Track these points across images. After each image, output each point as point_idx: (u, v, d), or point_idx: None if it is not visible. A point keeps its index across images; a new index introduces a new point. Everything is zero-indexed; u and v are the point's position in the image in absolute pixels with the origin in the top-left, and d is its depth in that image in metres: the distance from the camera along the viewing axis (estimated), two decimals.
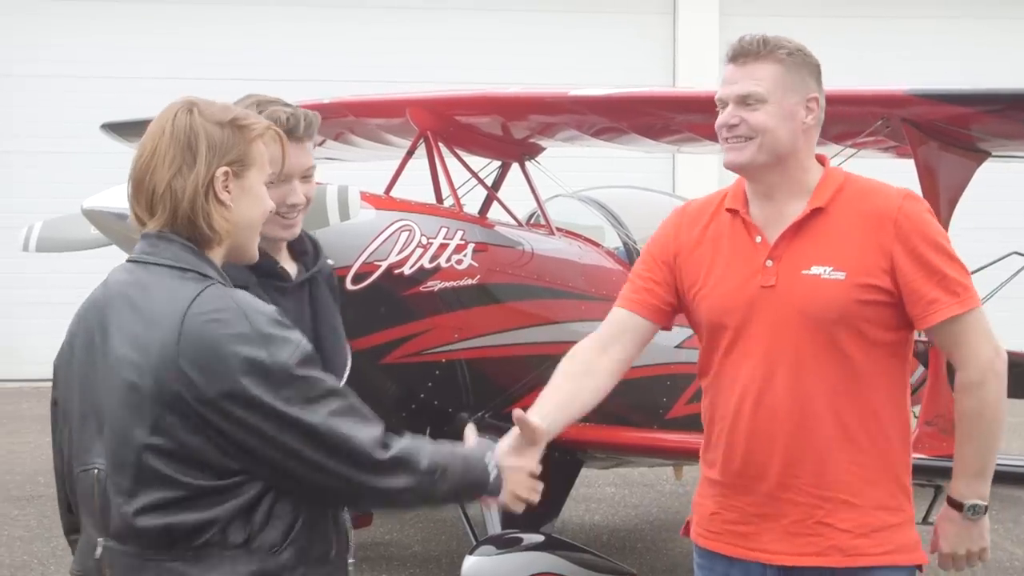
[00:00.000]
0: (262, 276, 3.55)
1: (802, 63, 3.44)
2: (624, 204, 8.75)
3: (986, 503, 3.42)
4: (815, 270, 3.37)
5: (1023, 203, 16.87)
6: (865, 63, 16.32)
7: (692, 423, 8.21)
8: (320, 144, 9.31)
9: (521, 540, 6.96)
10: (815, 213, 3.42)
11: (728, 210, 3.56)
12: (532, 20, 17.19)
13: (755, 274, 3.45)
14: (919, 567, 3.49)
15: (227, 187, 2.88)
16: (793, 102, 3.41)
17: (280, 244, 3.68)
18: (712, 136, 7.70)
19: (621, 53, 17.13)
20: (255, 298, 2.88)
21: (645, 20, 17.59)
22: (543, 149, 8.26)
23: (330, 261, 3.85)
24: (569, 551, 7.10)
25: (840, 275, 3.34)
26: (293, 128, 3.50)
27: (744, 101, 3.41)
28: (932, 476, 6.53)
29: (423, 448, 2.97)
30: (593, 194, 8.76)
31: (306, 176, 3.61)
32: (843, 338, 3.36)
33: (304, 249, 3.75)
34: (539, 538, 7.04)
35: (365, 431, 2.85)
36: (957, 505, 3.41)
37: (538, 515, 7.45)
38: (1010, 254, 7.22)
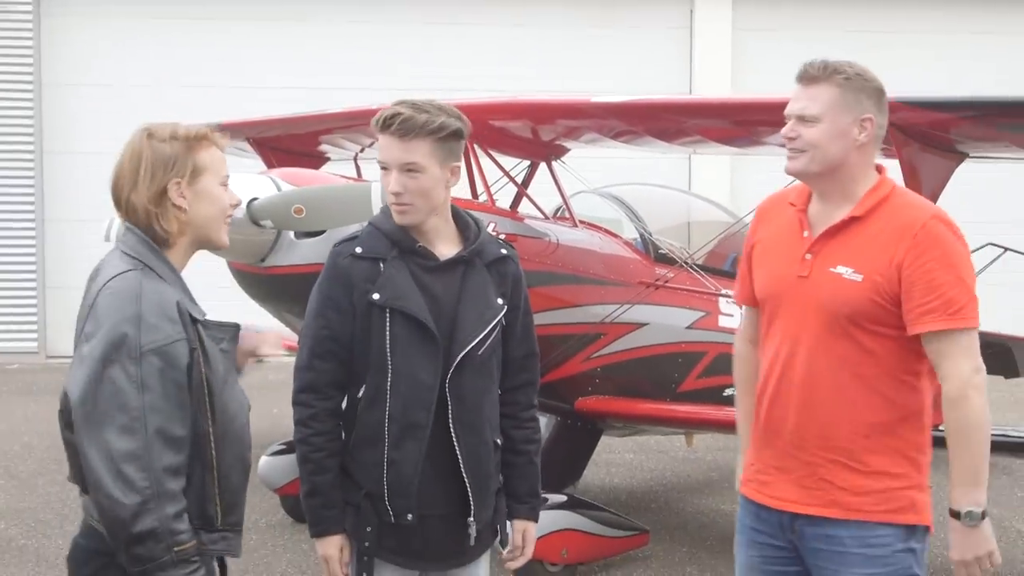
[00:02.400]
0: (404, 253, 3.73)
1: (859, 87, 3.51)
2: (640, 199, 8.77)
3: (981, 509, 3.41)
4: (839, 269, 3.50)
5: (997, 200, 16.75)
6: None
7: (701, 396, 8.35)
8: (370, 146, 9.39)
9: (546, 499, 7.01)
10: (852, 220, 3.54)
11: (791, 204, 3.72)
12: (559, 36, 17.14)
13: (796, 263, 3.60)
14: (926, 529, 3.55)
15: (182, 194, 3.18)
16: (847, 122, 3.50)
17: (438, 228, 3.78)
18: (719, 139, 7.81)
19: (641, 63, 17.11)
20: (164, 291, 3.09)
21: (664, 34, 17.55)
22: (568, 150, 8.31)
23: (504, 251, 3.88)
24: (589, 509, 7.18)
25: (858, 277, 3.47)
26: (387, 124, 3.63)
27: (802, 118, 3.54)
28: None
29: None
30: (613, 190, 8.80)
31: (409, 169, 3.64)
32: (854, 331, 3.48)
33: (469, 235, 3.84)
34: (562, 498, 7.12)
35: (121, 443, 2.97)
36: (955, 514, 3.43)
37: (561, 478, 7.56)
38: (985, 245, 7.19)
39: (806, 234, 3.62)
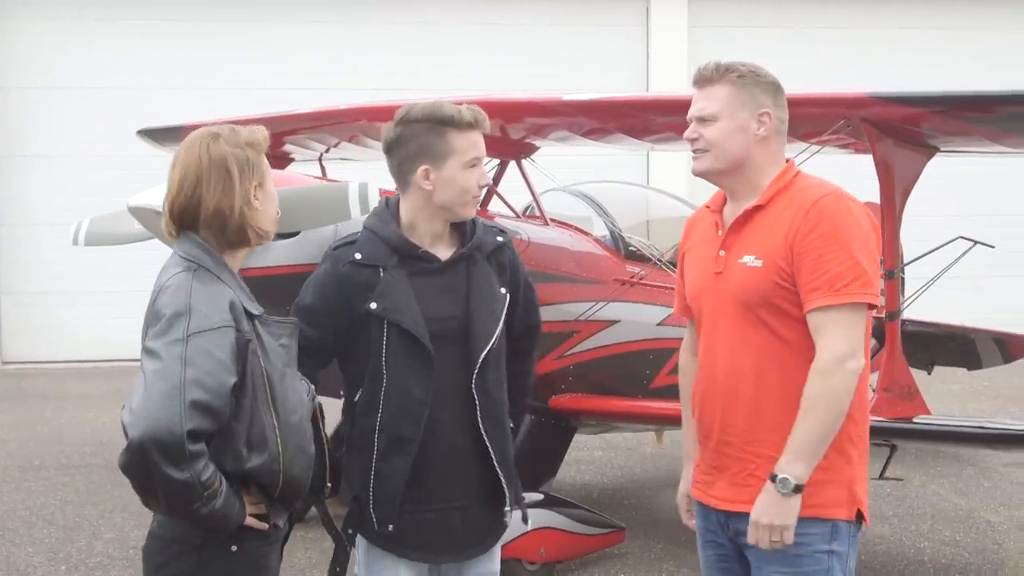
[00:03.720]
0: (405, 259, 3.72)
1: (753, 83, 3.54)
2: (609, 197, 8.75)
3: (797, 483, 3.33)
4: (745, 259, 3.49)
5: (968, 193, 16.93)
6: (823, 69, 16.33)
7: (673, 392, 8.21)
8: (335, 146, 9.32)
9: (523, 498, 6.97)
10: (755, 209, 3.53)
11: (708, 208, 3.75)
12: (514, 34, 17.17)
13: (712, 262, 3.61)
14: (854, 524, 3.50)
15: (256, 196, 3.30)
16: (744, 117, 3.52)
17: (438, 231, 3.79)
18: None
19: (598, 60, 17.14)
20: (216, 287, 3.16)
21: (621, 31, 17.57)
22: (537, 148, 8.27)
23: (500, 239, 3.91)
24: (565, 507, 7.14)
25: (759, 263, 3.45)
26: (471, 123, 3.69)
27: (702, 119, 3.57)
28: (888, 437, 6.58)
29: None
30: (582, 188, 8.77)
31: (474, 165, 3.73)
32: (766, 317, 3.45)
33: (464, 230, 3.84)
34: (539, 496, 7.07)
35: (160, 384, 2.98)
36: (771, 476, 3.36)
37: (536, 477, 7.51)
38: (956, 239, 7.26)
39: (720, 232, 3.63)
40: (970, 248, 7.24)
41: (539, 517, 6.89)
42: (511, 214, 7.98)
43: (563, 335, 7.61)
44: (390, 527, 3.70)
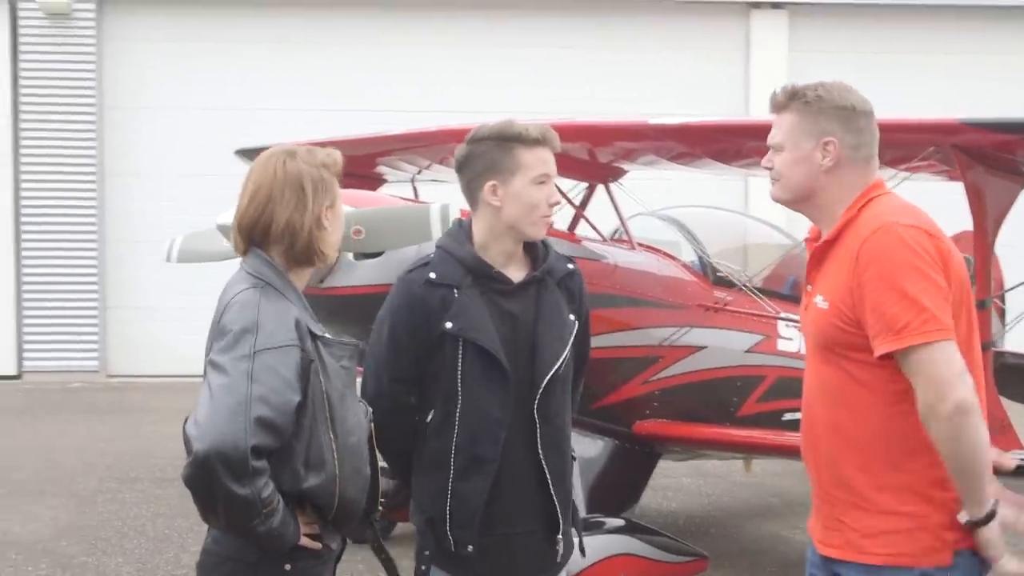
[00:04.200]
0: (480, 279, 3.71)
1: (819, 110, 3.35)
2: (698, 221, 8.68)
3: (975, 518, 3.14)
4: (817, 298, 3.35)
5: None
6: (929, 94, 16.04)
7: (761, 420, 8.21)
8: (427, 168, 9.36)
9: (604, 523, 6.92)
10: (827, 244, 3.38)
11: (810, 233, 3.60)
12: (616, 59, 17.10)
13: (805, 296, 3.49)
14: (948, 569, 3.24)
15: (327, 217, 3.29)
16: (807, 147, 3.35)
17: (511, 251, 3.77)
18: None
19: (697, 85, 17.02)
20: (283, 305, 3.18)
21: (720, 55, 17.44)
22: (625, 172, 8.22)
23: (570, 266, 3.90)
24: (647, 534, 7.05)
25: (825, 305, 3.30)
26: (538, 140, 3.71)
27: (773, 147, 3.46)
28: None
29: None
30: (671, 212, 8.70)
31: (543, 182, 3.73)
32: (841, 361, 3.29)
33: (536, 254, 3.83)
34: (620, 522, 7.00)
35: (227, 399, 2.99)
36: (967, 523, 3.19)
37: (619, 502, 7.44)
38: None
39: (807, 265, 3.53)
40: None
41: (619, 543, 6.83)
42: (598, 238, 7.94)
43: (648, 360, 7.55)
44: (469, 547, 3.67)
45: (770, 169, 3.48)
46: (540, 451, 3.72)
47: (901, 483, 3.23)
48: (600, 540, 6.79)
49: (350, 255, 6.23)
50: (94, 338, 16.70)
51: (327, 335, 3.32)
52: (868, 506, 3.26)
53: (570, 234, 7.69)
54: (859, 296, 3.19)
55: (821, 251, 3.39)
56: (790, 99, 3.40)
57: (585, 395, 7.16)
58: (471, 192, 3.76)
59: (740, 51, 17.50)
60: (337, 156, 3.38)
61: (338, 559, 3.42)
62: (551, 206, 3.75)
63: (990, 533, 3.17)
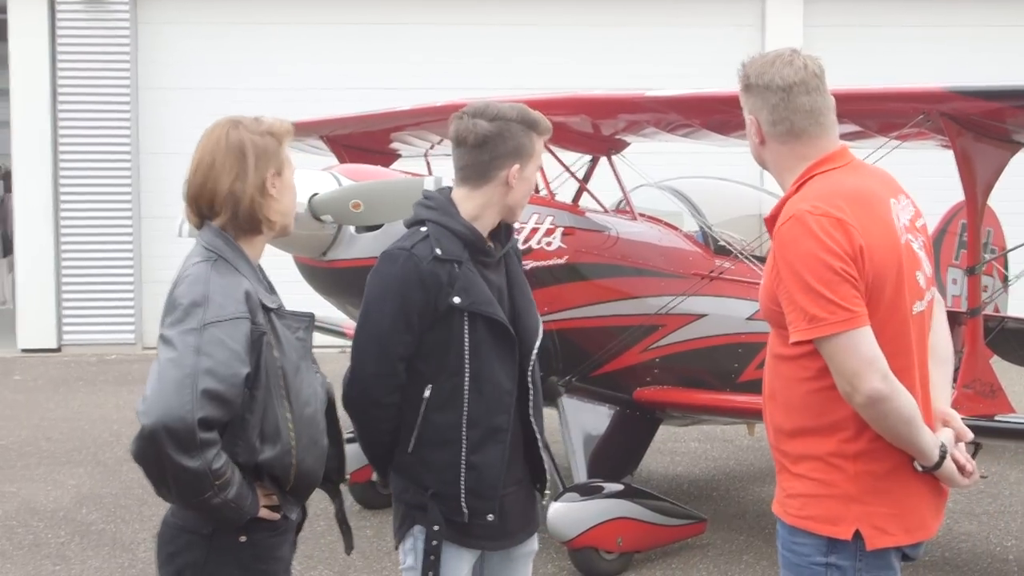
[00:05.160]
0: (474, 253, 3.70)
1: (744, 88, 3.34)
2: (702, 192, 8.61)
3: (927, 466, 3.18)
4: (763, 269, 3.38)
5: None
6: (944, 67, 15.76)
7: (761, 386, 8.13)
8: (439, 143, 9.31)
9: (602, 488, 6.92)
10: (771, 220, 3.31)
11: None
12: (627, 34, 16.93)
13: None
14: (853, 543, 3.20)
15: (274, 184, 3.24)
16: (748, 123, 3.36)
17: (494, 227, 3.79)
18: None
19: (713, 62, 16.75)
20: (234, 278, 3.13)
21: (735, 32, 17.23)
22: (628, 144, 8.15)
23: (516, 237, 3.98)
24: (645, 499, 7.05)
25: (762, 280, 3.33)
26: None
27: None
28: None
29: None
30: (674, 183, 8.64)
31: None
32: (774, 332, 3.30)
33: (498, 229, 3.84)
34: (618, 487, 6.99)
35: (173, 372, 2.95)
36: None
37: (619, 467, 7.41)
38: None
39: None
40: None
41: (616, 507, 6.83)
42: (600, 209, 7.88)
43: (648, 328, 7.50)
44: (489, 516, 3.68)
45: None
46: (531, 415, 3.80)
47: (818, 452, 3.22)
48: (599, 504, 6.81)
49: (352, 228, 6.21)
50: (130, 311, 16.76)
51: (282, 307, 3.29)
52: (793, 469, 3.27)
53: (573, 205, 7.63)
54: (777, 281, 3.18)
55: (769, 225, 3.34)
56: (738, 75, 3.38)
57: (586, 363, 7.26)
58: (489, 169, 3.70)
59: (756, 28, 17.29)
60: (286, 124, 3.33)
61: (298, 530, 3.40)
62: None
63: (945, 473, 3.23)
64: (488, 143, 3.67)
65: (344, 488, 3.70)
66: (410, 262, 3.62)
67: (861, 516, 3.18)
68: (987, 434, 6.48)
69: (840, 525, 3.18)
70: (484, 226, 3.75)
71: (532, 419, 3.80)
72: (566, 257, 7.08)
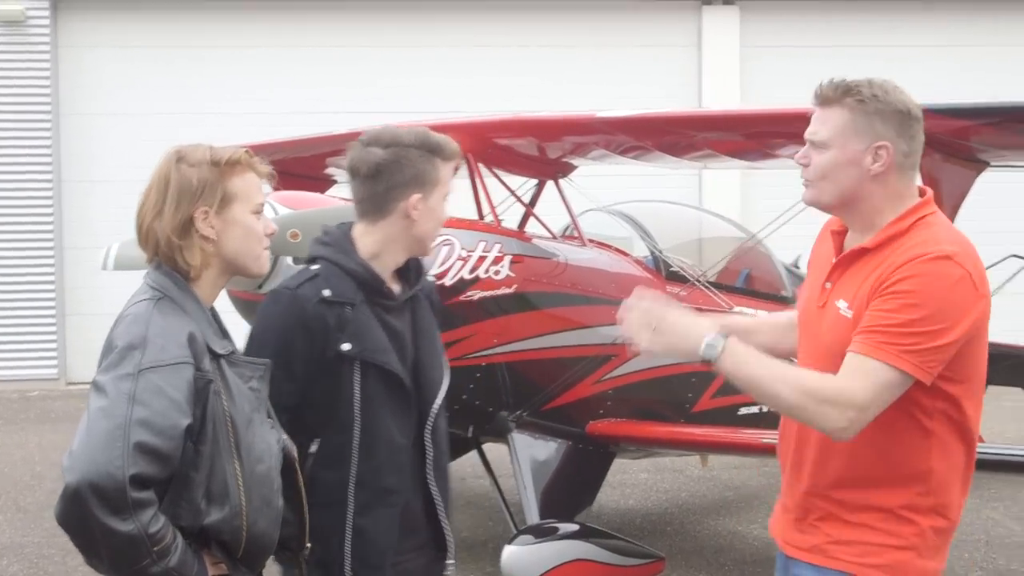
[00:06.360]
0: (370, 295, 3.33)
1: (874, 110, 3.00)
2: (651, 216, 8.34)
3: (704, 357, 2.99)
4: (839, 303, 3.05)
5: (1020, 209, 16.25)
6: None
7: (716, 416, 7.87)
8: None
9: (557, 529, 6.60)
10: (863, 251, 3.06)
11: (834, 226, 3.27)
12: (567, 56, 16.73)
13: (819, 290, 3.17)
14: None
15: (210, 224, 2.89)
16: (858, 150, 3.01)
17: (400, 265, 3.44)
18: (730, 153, 7.36)
19: (650, 82, 16.68)
20: (178, 320, 2.81)
21: (673, 52, 17.12)
22: (575, 168, 7.85)
23: (430, 278, 3.62)
24: (602, 538, 6.73)
25: (849, 313, 3.01)
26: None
27: (813, 144, 3.09)
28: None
29: None
30: (622, 207, 8.36)
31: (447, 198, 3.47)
32: None
33: (407, 268, 3.48)
34: (574, 527, 6.67)
35: (103, 423, 2.61)
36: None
37: (574, 504, 7.09)
38: (1008, 256, 6.76)
39: (833, 260, 3.17)
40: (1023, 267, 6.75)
41: (573, 548, 6.51)
42: (548, 235, 7.57)
43: (601, 359, 7.20)
44: None
45: (805, 166, 3.12)
46: (431, 476, 3.42)
47: (888, 504, 3.02)
48: (554, 546, 6.48)
49: (289, 259, 5.86)
50: (52, 346, 16.23)
51: (235, 353, 2.93)
52: (850, 518, 3.05)
53: (520, 232, 7.31)
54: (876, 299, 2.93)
55: (854, 256, 3.07)
56: (843, 94, 3.04)
57: (537, 396, 6.93)
58: (386, 201, 3.36)
59: (693, 47, 17.17)
60: (238, 153, 2.96)
61: None
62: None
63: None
64: (383, 173, 3.35)
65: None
66: (294, 304, 3.28)
67: (921, 571, 3.04)
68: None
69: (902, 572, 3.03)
70: (386, 264, 3.41)
71: (429, 481, 3.43)
72: (515, 286, 6.76)
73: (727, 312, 3.04)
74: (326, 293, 3.27)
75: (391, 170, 3.33)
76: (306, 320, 3.24)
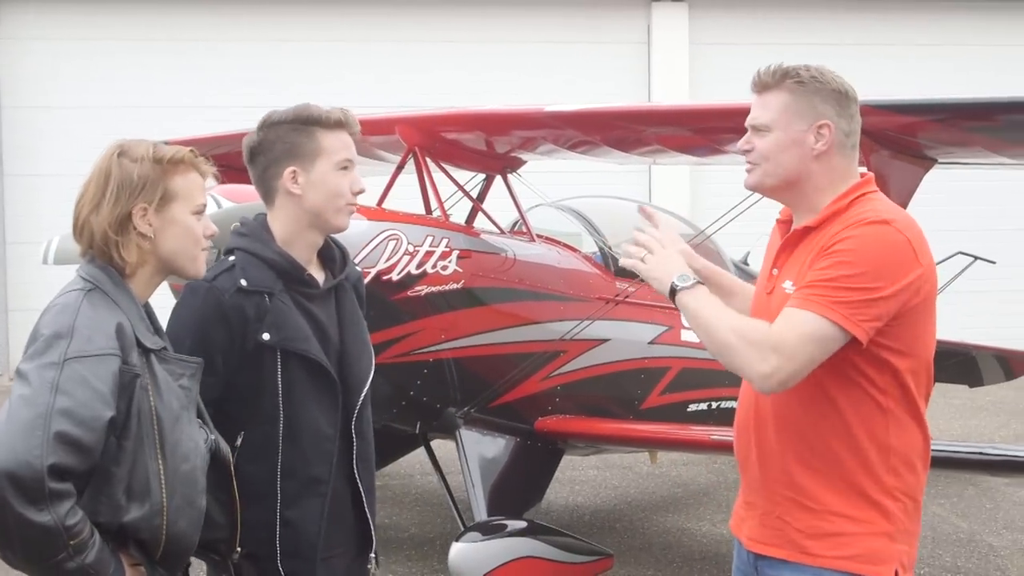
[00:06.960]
0: (290, 283, 3.24)
1: (814, 91, 3.03)
2: (600, 212, 8.28)
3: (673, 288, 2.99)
4: (785, 283, 3.03)
5: (967, 207, 16.39)
6: None
7: (665, 412, 7.84)
8: None
9: (505, 526, 6.53)
10: (806, 231, 3.05)
11: (780, 216, 3.28)
12: (517, 51, 16.72)
13: (767, 278, 3.18)
14: None
15: (148, 221, 2.84)
16: (800, 129, 3.02)
17: (317, 247, 3.36)
18: (678, 148, 7.30)
19: (599, 79, 16.67)
20: (108, 311, 2.74)
21: (621, 49, 17.11)
22: (524, 162, 7.78)
23: (359, 267, 3.56)
24: (550, 535, 6.67)
25: (793, 289, 2.98)
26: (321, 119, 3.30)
27: (755, 128, 3.10)
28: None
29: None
30: (571, 203, 8.29)
31: (345, 167, 3.32)
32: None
33: (332, 256, 3.41)
34: (522, 524, 6.61)
35: (24, 411, 2.54)
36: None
37: (522, 501, 7.02)
38: (955, 254, 6.77)
39: (778, 247, 3.17)
40: (970, 264, 6.75)
41: (521, 546, 6.44)
42: (496, 231, 7.50)
43: (549, 355, 7.13)
44: None
45: (748, 152, 3.11)
46: (356, 468, 3.34)
47: (850, 487, 2.98)
48: (502, 543, 6.41)
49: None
50: None
51: (166, 349, 2.85)
52: (814, 506, 3.00)
53: (468, 227, 7.24)
54: (823, 258, 2.91)
55: (798, 236, 3.07)
56: (782, 78, 3.06)
57: (485, 393, 6.86)
58: (267, 182, 3.32)
59: (642, 44, 17.17)
60: (182, 152, 2.89)
61: None
62: (355, 194, 3.34)
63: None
64: (259, 154, 3.32)
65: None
66: (211, 296, 3.19)
67: (897, 555, 3.00)
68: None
69: (883, 565, 2.98)
70: (302, 250, 3.33)
71: (356, 472, 3.35)
72: (462, 281, 6.67)
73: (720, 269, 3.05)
74: (243, 283, 3.19)
75: (263, 149, 3.30)
76: (224, 311, 3.17)
